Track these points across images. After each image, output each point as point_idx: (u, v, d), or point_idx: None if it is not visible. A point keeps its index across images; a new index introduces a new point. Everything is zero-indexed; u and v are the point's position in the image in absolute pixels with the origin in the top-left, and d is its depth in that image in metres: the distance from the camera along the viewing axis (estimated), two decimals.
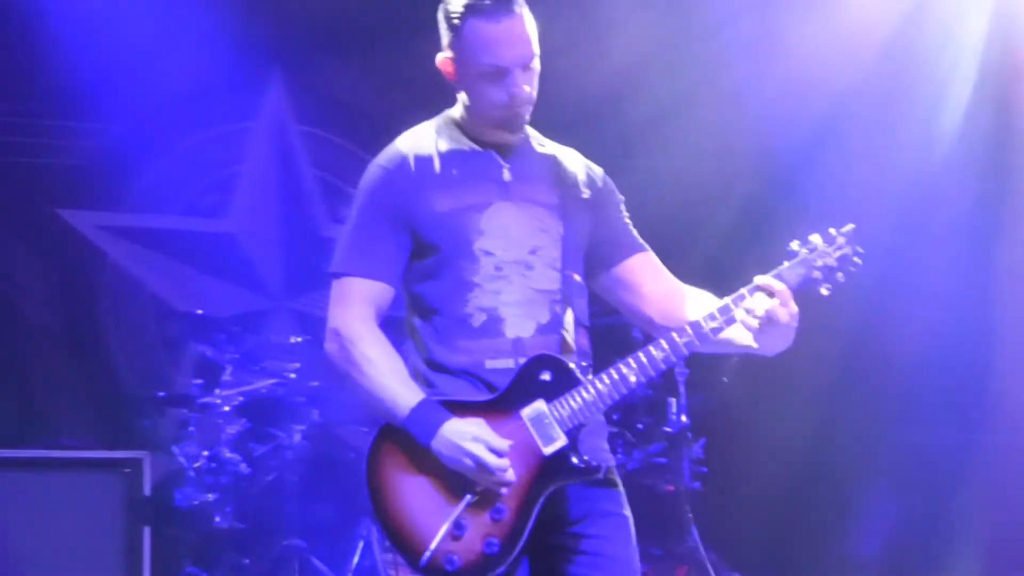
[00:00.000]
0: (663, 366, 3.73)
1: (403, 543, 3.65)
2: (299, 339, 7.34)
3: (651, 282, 3.93)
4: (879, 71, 7.71)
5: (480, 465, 3.61)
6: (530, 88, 3.79)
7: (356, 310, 3.76)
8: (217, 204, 8.62)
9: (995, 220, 7.73)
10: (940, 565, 7.46)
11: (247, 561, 7.08)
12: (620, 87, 8.22)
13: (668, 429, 7.14)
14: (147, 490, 6.43)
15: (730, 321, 3.69)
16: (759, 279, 3.71)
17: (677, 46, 8.11)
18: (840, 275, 3.79)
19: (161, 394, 7.77)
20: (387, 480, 3.70)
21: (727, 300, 3.72)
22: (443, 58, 3.84)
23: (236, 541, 7.11)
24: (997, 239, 7.68)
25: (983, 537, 7.33)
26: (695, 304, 3.83)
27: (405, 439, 3.68)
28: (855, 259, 3.80)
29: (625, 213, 3.99)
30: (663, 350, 3.70)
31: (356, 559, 6.68)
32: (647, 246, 3.99)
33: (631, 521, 3.85)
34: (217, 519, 7.11)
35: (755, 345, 3.72)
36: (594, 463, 3.68)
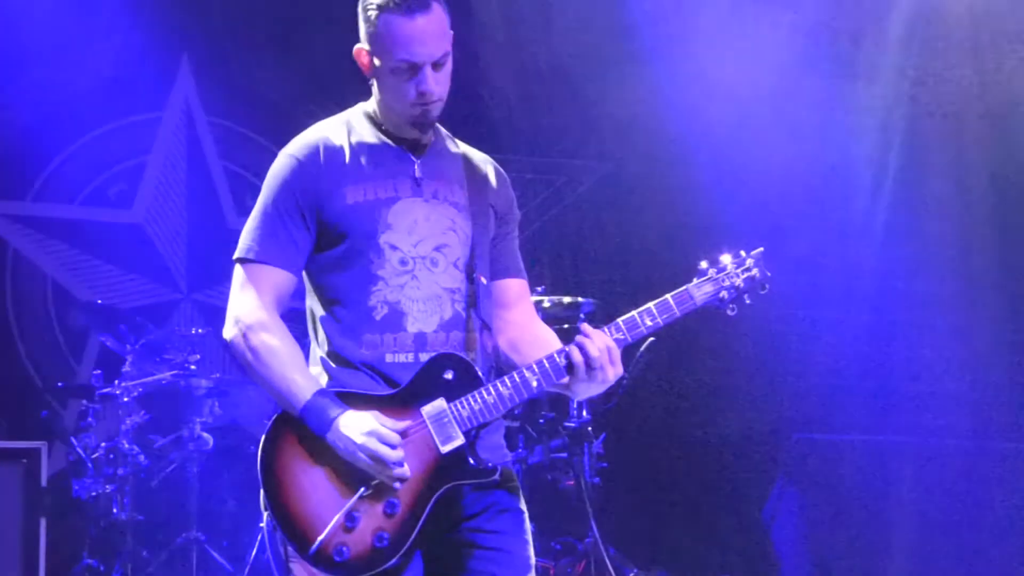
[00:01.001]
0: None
1: (294, 532, 3.63)
2: (202, 331, 7.30)
3: (516, 310, 3.93)
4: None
5: (374, 458, 3.59)
6: (440, 87, 3.78)
7: (258, 297, 3.73)
8: (123, 195, 8.55)
9: (898, 220, 7.86)
10: (846, 562, 7.55)
11: (145, 553, 7.04)
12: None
13: (570, 424, 7.17)
14: (44, 481, 6.37)
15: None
16: (580, 337, 3.72)
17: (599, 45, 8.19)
18: (747, 297, 3.84)
19: (60, 384, 7.71)
20: (281, 469, 3.68)
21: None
22: (358, 49, 3.83)
23: (135, 533, 7.06)
24: (903, 242, 7.82)
25: (889, 532, 7.43)
26: (540, 347, 3.82)
27: (302, 429, 3.66)
28: (763, 283, 3.85)
29: (516, 233, 4.00)
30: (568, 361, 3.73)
31: (254, 552, 6.68)
32: (525, 274, 4.02)
33: (526, 516, 3.86)
34: (115, 511, 7.07)
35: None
36: (490, 464, 3.68)
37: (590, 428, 7.22)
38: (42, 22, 7.92)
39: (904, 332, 7.85)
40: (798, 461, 7.77)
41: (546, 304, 6.88)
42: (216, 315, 7.81)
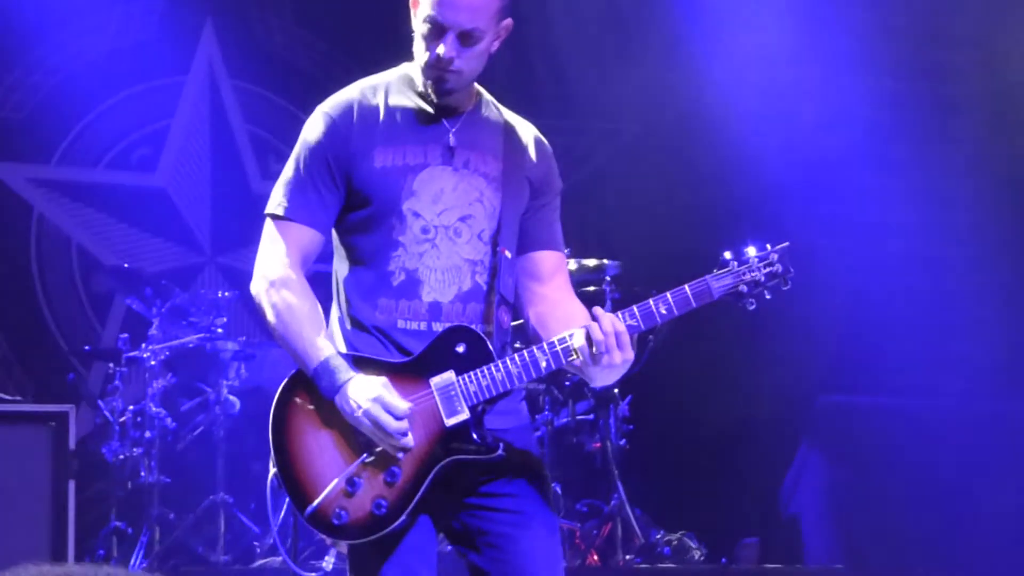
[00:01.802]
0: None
1: (295, 491, 3.63)
2: (228, 294, 7.31)
3: (549, 285, 3.88)
4: None
5: (378, 425, 3.59)
6: (463, 60, 3.73)
7: (285, 254, 3.74)
8: (147, 158, 8.56)
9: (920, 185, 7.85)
10: (866, 524, 7.56)
11: (172, 516, 7.06)
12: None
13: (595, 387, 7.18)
14: (72, 444, 6.40)
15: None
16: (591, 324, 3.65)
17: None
18: (767, 293, 3.79)
19: (87, 348, 7.73)
20: (289, 428, 3.68)
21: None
22: None
23: (161, 495, 7.10)
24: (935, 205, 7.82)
25: (912, 495, 7.43)
26: (568, 325, 3.73)
27: (313, 389, 3.68)
28: (785, 279, 3.79)
29: (556, 205, 3.96)
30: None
31: (282, 514, 6.69)
32: (563, 248, 3.98)
33: (546, 479, 3.85)
34: (142, 474, 7.10)
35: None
36: (491, 441, 3.67)
37: (616, 390, 7.23)
38: None
39: (926, 293, 7.85)
40: (822, 424, 7.77)
41: (572, 267, 6.86)
42: (241, 278, 7.81)
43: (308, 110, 3.85)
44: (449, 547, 3.86)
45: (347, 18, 8.27)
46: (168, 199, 8.56)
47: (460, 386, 3.67)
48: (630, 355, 3.68)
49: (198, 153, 8.65)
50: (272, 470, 3.68)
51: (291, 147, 3.87)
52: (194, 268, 8.58)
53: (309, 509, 3.62)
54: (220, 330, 7.15)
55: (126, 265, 7.55)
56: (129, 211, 8.46)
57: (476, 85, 3.86)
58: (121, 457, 7.13)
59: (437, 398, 3.67)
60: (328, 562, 5.99)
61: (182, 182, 8.60)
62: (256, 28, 8.60)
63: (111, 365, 7.31)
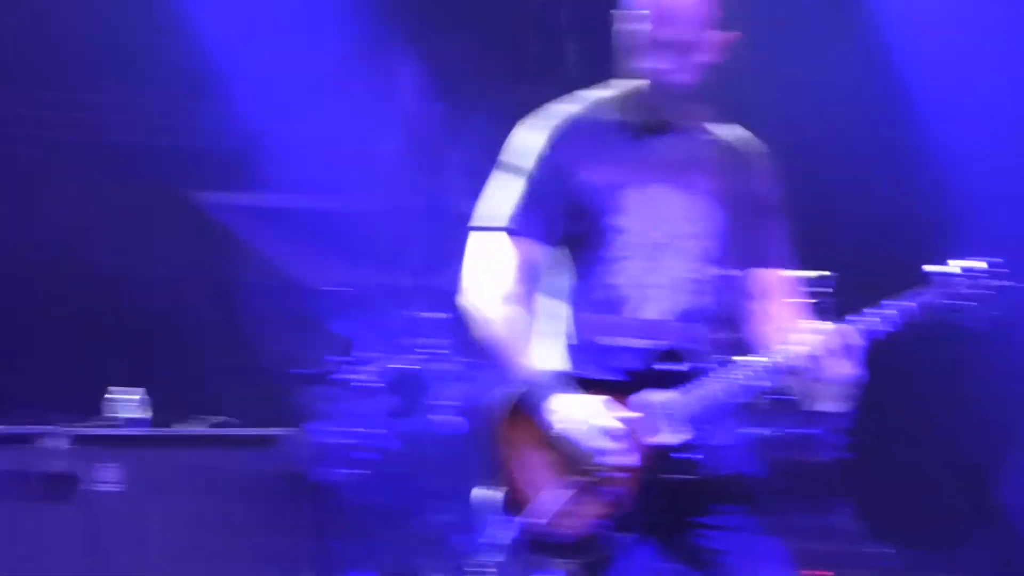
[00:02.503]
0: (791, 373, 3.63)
1: (513, 509, 3.64)
2: (445, 315, 7.35)
3: (772, 302, 3.83)
4: None
5: (594, 445, 3.57)
6: (678, 72, 3.68)
7: (499, 267, 3.74)
8: (348, 181, 8.66)
9: None
10: None
11: (394, 536, 7.12)
12: None
13: None
14: (291, 467, 6.50)
15: None
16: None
17: None
18: (967, 313, 3.65)
19: (307, 371, 7.85)
20: (507, 444, 3.69)
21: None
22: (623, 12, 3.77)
23: (383, 517, 7.16)
24: None
25: None
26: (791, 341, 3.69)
27: (526, 406, 3.66)
28: (990, 298, 3.65)
29: (780, 222, 3.87)
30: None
31: (500, 534, 6.67)
32: (787, 265, 3.90)
33: (767, 497, 3.78)
34: (362, 495, 7.17)
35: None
36: (708, 460, 3.62)
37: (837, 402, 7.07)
38: (258, 12, 8.06)
39: None
40: None
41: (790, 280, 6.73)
42: (451, 299, 7.85)
43: (509, 126, 3.84)
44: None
45: (545, 35, 8.30)
46: (374, 220, 8.64)
47: (677, 404, 3.63)
48: (856, 370, 3.59)
49: (403, 174, 8.72)
50: (488, 489, 3.69)
51: (491, 162, 3.86)
52: (404, 290, 8.65)
53: (525, 528, 3.61)
54: (438, 351, 7.19)
55: (341, 288, 7.65)
56: (334, 234, 8.56)
57: (695, 99, 3.80)
58: (340, 479, 7.21)
59: (653, 417, 3.63)
60: None
61: (389, 204, 8.68)
62: (455, 47, 8.65)
63: (330, 388, 7.41)
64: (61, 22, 7.89)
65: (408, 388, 7.32)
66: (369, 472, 7.16)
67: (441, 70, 8.68)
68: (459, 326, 7.44)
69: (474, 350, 7.75)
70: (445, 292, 8.50)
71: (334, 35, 8.24)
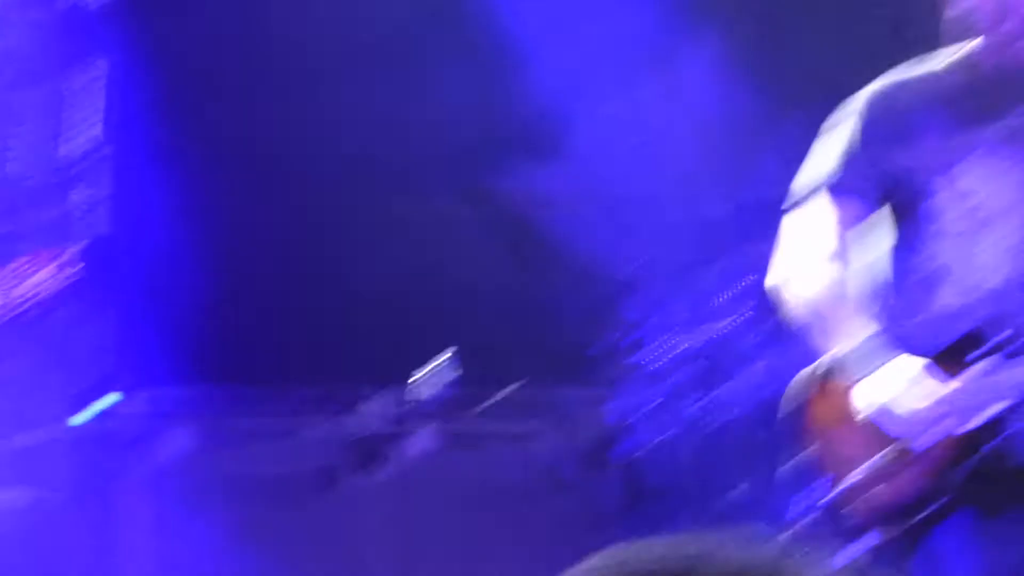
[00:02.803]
0: None
1: (820, 480, 3.60)
2: (751, 279, 7.30)
3: None
4: None
5: (911, 415, 3.51)
6: None
7: (819, 228, 3.70)
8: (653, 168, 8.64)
9: None
10: None
11: (691, 514, 7.12)
12: None
13: None
14: (589, 441, 6.56)
15: None
16: None
17: None
18: None
19: (606, 345, 7.92)
20: (815, 414, 3.66)
21: None
22: None
23: (680, 494, 7.16)
24: None
25: None
26: None
27: (842, 373, 3.62)
28: None
29: None
30: None
31: (805, 506, 6.61)
32: None
33: None
34: (660, 472, 7.19)
35: None
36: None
37: None
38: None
39: None
40: None
41: None
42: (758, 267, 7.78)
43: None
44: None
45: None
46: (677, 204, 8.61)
47: (998, 378, 3.55)
48: None
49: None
50: (791, 462, 3.69)
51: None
52: (705, 261, 8.60)
53: (834, 498, 3.59)
54: (741, 320, 7.16)
55: (639, 261, 7.70)
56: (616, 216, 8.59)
57: None
58: (638, 456, 7.25)
59: (973, 390, 3.56)
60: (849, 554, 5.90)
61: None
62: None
63: (627, 362, 7.46)
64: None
65: (704, 362, 7.33)
66: (662, 448, 7.20)
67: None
68: (762, 306, 7.41)
69: (780, 331, 7.73)
70: (747, 273, 8.47)
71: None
